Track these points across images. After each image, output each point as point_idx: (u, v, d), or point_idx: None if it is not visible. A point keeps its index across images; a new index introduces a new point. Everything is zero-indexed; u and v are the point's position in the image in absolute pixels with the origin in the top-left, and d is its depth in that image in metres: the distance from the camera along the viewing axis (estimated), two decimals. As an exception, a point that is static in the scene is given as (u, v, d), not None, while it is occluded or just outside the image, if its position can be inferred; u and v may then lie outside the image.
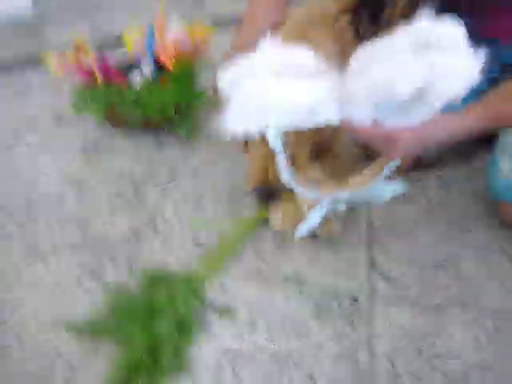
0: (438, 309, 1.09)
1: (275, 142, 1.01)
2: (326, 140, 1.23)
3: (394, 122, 0.94)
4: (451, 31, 0.87)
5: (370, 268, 1.18)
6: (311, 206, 1.13)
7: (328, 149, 1.28)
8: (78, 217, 1.31)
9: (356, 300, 1.10)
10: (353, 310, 1.08)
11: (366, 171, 1.10)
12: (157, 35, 1.63)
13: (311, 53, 1.01)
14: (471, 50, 0.87)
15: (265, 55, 1.01)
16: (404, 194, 1.36)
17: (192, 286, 1.10)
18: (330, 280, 1.15)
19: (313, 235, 1.21)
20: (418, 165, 1.46)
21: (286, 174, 1.05)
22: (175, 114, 1.51)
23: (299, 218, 1.22)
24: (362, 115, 0.95)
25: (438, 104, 0.90)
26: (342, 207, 1.15)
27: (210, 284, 1.13)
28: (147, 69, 1.62)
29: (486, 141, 1.49)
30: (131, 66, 1.66)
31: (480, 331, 1.04)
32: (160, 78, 1.59)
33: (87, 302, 1.09)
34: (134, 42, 1.66)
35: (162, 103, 1.47)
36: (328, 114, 0.97)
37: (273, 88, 0.97)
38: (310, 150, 1.23)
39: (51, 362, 0.99)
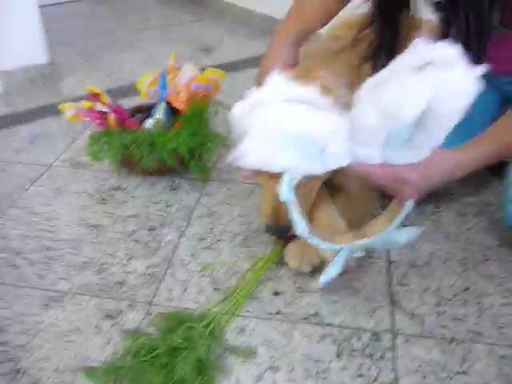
0: (462, 342, 1.06)
1: (288, 194, 1.01)
2: (337, 179, 1.24)
3: (403, 160, 0.95)
4: (448, 50, 0.87)
5: (391, 305, 1.16)
6: (330, 255, 1.12)
7: (340, 189, 1.28)
8: (96, 261, 1.31)
9: (378, 338, 1.08)
10: (375, 348, 1.06)
11: (382, 217, 1.10)
12: (169, 80, 1.67)
13: (320, 90, 1.02)
14: (468, 67, 0.87)
15: (276, 88, 1.02)
16: (421, 231, 1.37)
17: (211, 328, 1.08)
18: (350, 319, 1.13)
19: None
20: (428, 196, 1.45)
21: (299, 227, 1.05)
22: (189, 156, 1.53)
23: (315, 256, 1.22)
24: (371, 154, 0.95)
25: (442, 129, 0.90)
26: (360, 254, 1.14)
27: (229, 326, 1.12)
28: (161, 113, 1.65)
29: (498, 168, 1.50)
30: (145, 112, 1.70)
31: (508, 367, 1.02)
32: (173, 121, 1.62)
33: (106, 347, 1.08)
34: (147, 89, 1.70)
35: (176, 146, 1.49)
36: (338, 153, 0.97)
37: (285, 116, 0.98)
38: (322, 192, 1.24)
39: (71, 410, 0.98)
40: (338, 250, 1.09)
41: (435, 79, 0.85)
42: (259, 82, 1.14)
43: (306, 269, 1.22)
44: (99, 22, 3.48)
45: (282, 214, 1.11)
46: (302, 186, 1.09)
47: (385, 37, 1.21)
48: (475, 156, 1.01)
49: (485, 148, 1.01)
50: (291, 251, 1.25)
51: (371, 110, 0.90)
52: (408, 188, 0.98)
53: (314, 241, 1.07)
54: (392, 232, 1.07)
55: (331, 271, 1.10)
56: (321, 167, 1.01)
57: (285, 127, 0.97)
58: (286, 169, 1.00)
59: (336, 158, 0.98)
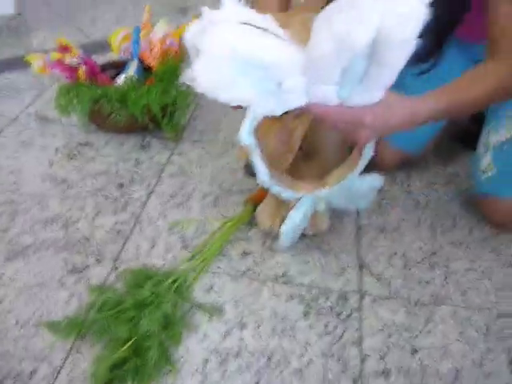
0: (428, 305, 1.08)
1: (248, 138, 0.99)
2: (314, 143, 1.23)
3: (359, 100, 0.92)
4: None
5: (359, 267, 1.17)
6: (292, 206, 1.12)
7: (316, 151, 1.27)
8: (62, 216, 1.28)
9: (345, 298, 1.09)
10: (342, 308, 1.07)
11: (343, 167, 1.09)
12: (143, 36, 1.62)
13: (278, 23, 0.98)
14: None
15: (231, 10, 0.96)
16: (390, 196, 1.38)
17: (178, 284, 1.07)
18: (319, 279, 1.13)
19: (301, 234, 1.20)
20: (401, 163, 1.47)
21: (260, 173, 1.04)
22: (161, 114, 1.49)
23: (286, 215, 1.21)
24: (328, 93, 0.92)
25: (394, 62, 0.87)
26: (322, 207, 1.14)
27: (197, 283, 1.11)
28: (133, 69, 1.61)
29: (470, 140, 1.52)
30: (117, 68, 1.65)
31: (472, 329, 1.04)
32: (146, 78, 1.58)
33: (70, 302, 1.06)
34: (119, 44, 1.65)
35: (148, 102, 1.46)
36: (295, 89, 0.93)
37: (238, 39, 0.90)
38: (299, 153, 1.23)
39: (34, 362, 0.96)
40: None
41: (384, 5, 0.82)
42: None
43: (277, 230, 1.21)
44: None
45: None
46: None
47: None
48: (432, 107, 1.00)
49: (442, 102, 1.00)
50: (263, 212, 1.24)
51: (326, 37, 0.86)
52: (365, 131, 0.96)
53: (276, 189, 1.07)
54: (353, 180, 1.07)
55: (291, 219, 1.10)
56: (279, 105, 0.97)
57: (237, 50, 0.92)
58: (241, 100, 0.95)
59: (293, 95, 0.94)
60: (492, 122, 1.28)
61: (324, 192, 1.09)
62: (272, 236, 1.23)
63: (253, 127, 1.00)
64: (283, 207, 1.23)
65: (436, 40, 1.16)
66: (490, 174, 1.24)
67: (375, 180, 1.12)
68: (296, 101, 0.93)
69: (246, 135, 0.99)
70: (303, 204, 1.11)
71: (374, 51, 0.84)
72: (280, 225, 1.21)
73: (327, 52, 0.85)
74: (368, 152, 1.05)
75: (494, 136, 1.25)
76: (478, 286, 1.13)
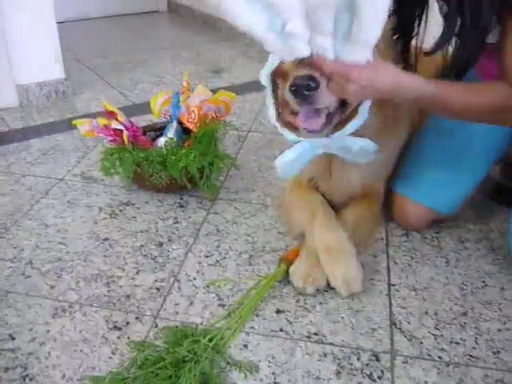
0: (459, 366, 1.09)
1: (265, 80, 1.21)
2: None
3: (351, 55, 1.04)
4: None
5: (390, 326, 1.19)
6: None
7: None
8: (105, 274, 1.35)
9: (377, 358, 1.11)
10: (374, 368, 1.09)
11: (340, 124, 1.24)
12: (182, 101, 1.72)
13: None
14: None
15: None
16: (420, 254, 1.41)
17: (215, 343, 1.11)
18: (350, 338, 1.16)
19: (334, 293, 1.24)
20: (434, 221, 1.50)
21: (270, 115, 1.24)
22: (198, 175, 1.57)
23: (320, 277, 1.26)
24: (325, 46, 1.03)
25: (374, 16, 0.96)
26: (319, 152, 1.30)
27: (232, 341, 1.15)
28: (172, 131, 1.70)
29: (506, 198, 1.56)
30: (158, 130, 1.75)
31: (503, 391, 1.04)
32: (185, 141, 1.67)
33: (113, 358, 1.11)
34: (160, 108, 1.76)
35: (186, 165, 1.54)
36: (298, 35, 1.02)
37: None
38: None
39: (77, 417, 1.01)
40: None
41: None
42: None
43: (310, 290, 1.26)
44: (114, 40, 3.57)
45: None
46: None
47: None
48: (417, 86, 1.12)
49: (429, 87, 1.12)
50: (297, 271, 1.29)
51: None
52: (351, 86, 1.08)
53: (282, 131, 1.25)
54: (347, 137, 1.24)
55: (285, 155, 1.26)
56: (287, 51, 1.06)
57: None
58: (248, 26, 1.01)
59: (298, 43, 1.04)
60: None
61: (321, 139, 1.24)
62: (305, 295, 1.27)
63: (270, 70, 1.20)
64: (316, 267, 1.27)
65: (455, 77, 1.25)
66: None
67: (367, 144, 1.26)
68: (300, 49, 1.05)
69: (264, 76, 1.21)
70: (300, 146, 1.26)
71: (353, 4, 0.95)
72: (313, 285, 1.26)
73: None
74: (363, 112, 1.19)
75: None
76: (510, 347, 1.14)
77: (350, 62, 1.05)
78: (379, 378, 1.07)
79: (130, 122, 1.68)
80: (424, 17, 1.33)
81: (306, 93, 1.11)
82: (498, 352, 1.13)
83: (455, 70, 1.23)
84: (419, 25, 1.34)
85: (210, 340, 1.11)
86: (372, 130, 1.29)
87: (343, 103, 1.21)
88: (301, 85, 1.11)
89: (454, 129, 1.42)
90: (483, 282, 1.34)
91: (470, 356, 1.12)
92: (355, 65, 1.05)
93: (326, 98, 1.14)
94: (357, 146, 1.26)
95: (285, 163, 1.29)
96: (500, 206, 1.62)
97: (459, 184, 1.45)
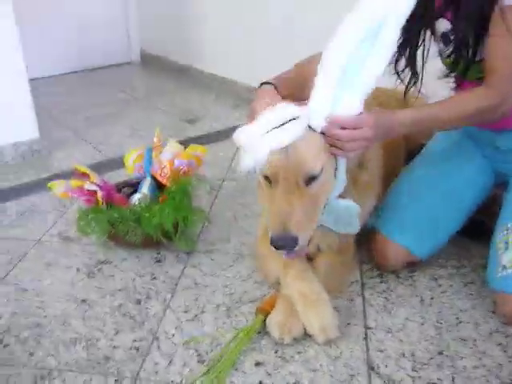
0: (437, 409, 1.11)
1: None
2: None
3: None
4: None
5: (368, 371, 1.21)
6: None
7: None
8: (84, 336, 1.35)
9: (357, 405, 1.13)
10: (354, 416, 1.10)
11: None
12: (154, 156, 1.76)
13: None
14: None
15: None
16: (395, 294, 1.44)
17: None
18: (330, 386, 1.17)
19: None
20: (410, 265, 1.54)
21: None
22: (173, 230, 1.60)
23: (297, 327, 1.28)
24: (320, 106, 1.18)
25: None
26: None
27: (213, 397, 1.15)
28: (146, 187, 1.73)
29: (477, 234, 1.61)
30: (132, 186, 1.78)
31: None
32: (158, 196, 1.70)
33: (93, 424, 1.11)
34: (133, 164, 1.79)
35: (161, 221, 1.56)
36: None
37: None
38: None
39: None
40: None
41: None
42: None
43: (288, 340, 1.27)
44: (87, 94, 3.61)
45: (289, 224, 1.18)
46: None
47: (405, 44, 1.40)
48: (409, 121, 1.26)
49: (418, 115, 1.27)
50: (273, 321, 1.30)
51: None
52: (367, 131, 1.19)
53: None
54: (331, 200, 1.30)
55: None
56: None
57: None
58: None
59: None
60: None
61: None
62: (284, 345, 1.28)
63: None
64: (293, 316, 1.29)
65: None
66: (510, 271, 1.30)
67: (351, 205, 1.31)
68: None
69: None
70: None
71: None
72: (290, 334, 1.27)
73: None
74: (341, 177, 1.28)
75: None
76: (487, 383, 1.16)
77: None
78: (359, 425, 1.08)
79: (104, 181, 1.70)
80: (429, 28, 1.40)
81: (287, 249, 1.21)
82: (476, 389, 1.15)
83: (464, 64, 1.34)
84: (425, 33, 1.41)
85: (191, 399, 1.12)
86: (349, 194, 1.35)
87: None
88: (281, 246, 1.20)
89: (441, 176, 1.52)
90: (457, 318, 1.37)
91: (448, 396, 1.14)
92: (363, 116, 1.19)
93: (305, 242, 1.23)
94: (341, 207, 1.32)
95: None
96: (470, 241, 1.66)
97: (443, 232, 1.51)
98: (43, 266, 1.67)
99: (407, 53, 1.41)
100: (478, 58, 1.31)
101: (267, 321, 1.31)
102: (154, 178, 1.76)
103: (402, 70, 1.43)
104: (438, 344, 1.28)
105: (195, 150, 1.76)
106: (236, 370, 1.23)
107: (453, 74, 1.41)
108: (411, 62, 1.42)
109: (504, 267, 1.30)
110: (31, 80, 2.48)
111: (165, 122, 2.91)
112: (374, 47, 1.13)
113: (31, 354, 1.30)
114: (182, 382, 1.20)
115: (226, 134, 2.70)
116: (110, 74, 4.13)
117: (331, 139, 1.20)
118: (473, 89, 1.30)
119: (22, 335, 1.37)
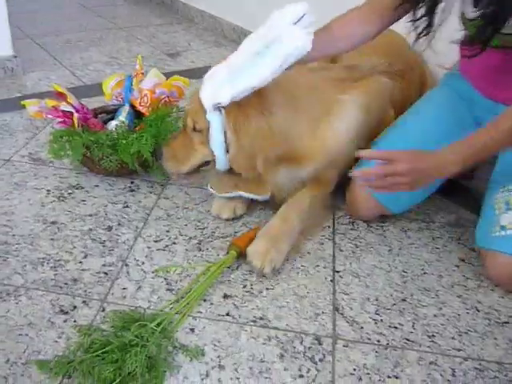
0: (397, 350, 1.15)
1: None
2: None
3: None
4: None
5: (333, 311, 1.24)
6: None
7: None
8: (52, 257, 1.34)
9: (319, 341, 1.15)
10: (316, 351, 1.13)
11: None
12: (134, 84, 1.71)
13: None
14: None
15: None
16: (365, 242, 1.46)
17: (163, 328, 1.13)
18: (294, 323, 1.20)
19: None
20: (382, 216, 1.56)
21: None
22: (150, 159, 1.57)
23: (278, 257, 1.34)
24: None
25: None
26: None
27: (179, 326, 1.17)
28: (124, 115, 1.69)
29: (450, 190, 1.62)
30: (109, 113, 1.73)
31: (437, 373, 1.10)
32: (136, 125, 1.66)
33: (58, 342, 1.11)
34: (112, 91, 1.74)
35: (138, 149, 1.53)
36: None
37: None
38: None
39: (21, 401, 1.01)
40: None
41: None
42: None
43: (268, 269, 1.29)
44: (67, 17, 3.47)
45: None
46: None
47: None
48: (459, 159, 1.21)
49: (468, 151, 1.20)
50: (255, 250, 1.32)
51: None
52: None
53: None
54: None
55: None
56: None
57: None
58: None
59: None
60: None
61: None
62: (251, 280, 1.30)
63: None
64: (273, 248, 1.31)
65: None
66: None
67: None
68: None
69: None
70: None
71: None
72: (270, 263, 1.30)
73: None
74: None
75: None
76: (444, 331, 1.20)
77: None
78: (320, 360, 1.11)
79: (81, 104, 1.65)
80: None
81: None
82: (433, 336, 1.19)
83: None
84: None
85: (158, 325, 1.13)
86: None
87: None
88: None
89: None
90: (422, 269, 1.40)
91: (407, 340, 1.18)
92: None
93: None
94: None
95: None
96: (443, 199, 1.68)
97: (421, 192, 1.49)
98: (12, 185, 1.63)
99: (429, 2, 1.33)
100: (505, 31, 1.23)
101: (248, 250, 1.32)
102: (132, 106, 1.72)
103: (419, 18, 1.34)
104: (402, 291, 1.32)
105: (177, 81, 1.71)
106: (204, 300, 1.24)
107: (474, 43, 1.29)
108: (430, 12, 1.33)
109: (503, 227, 1.30)
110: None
111: (146, 54, 2.82)
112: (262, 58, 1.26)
113: (-4, 269, 1.29)
114: (149, 307, 1.21)
115: (206, 71, 2.63)
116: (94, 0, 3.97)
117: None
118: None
119: (-13, 251, 1.35)
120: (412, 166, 1.19)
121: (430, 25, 1.34)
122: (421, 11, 1.33)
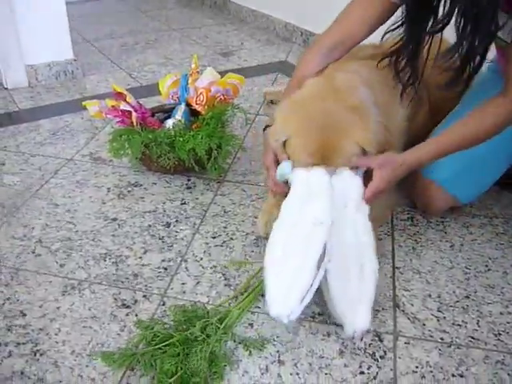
0: (460, 347, 1.11)
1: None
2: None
3: None
4: None
5: (394, 308, 1.21)
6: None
7: None
8: (113, 253, 1.38)
9: (380, 338, 1.13)
10: (377, 348, 1.11)
11: None
12: (190, 83, 1.73)
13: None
14: None
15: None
16: (425, 238, 1.42)
17: (224, 323, 1.13)
18: (354, 319, 1.18)
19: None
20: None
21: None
22: (206, 157, 1.59)
23: None
24: None
25: None
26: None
27: (239, 321, 1.17)
28: (180, 113, 1.71)
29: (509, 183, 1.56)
30: (166, 112, 1.76)
31: (504, 373, 1.06)
32: (193, 123, 1.68)
33: (121, 335, 1.14)
34: (168, 90, 1.77)
35: (194, 146, 1.55)
36: None
37: None
38: None
39: (86, 390, 1.04)
40: None
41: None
42: (288, 86, 1.41)
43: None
44: (123, 20, 3.56)
45: None
46: None
47: (408, 44, 1.33)
48: (426, 157, 1.28)
49: (434, 148, 1.27)
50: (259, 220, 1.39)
51: None
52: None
53: None
54: None
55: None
56: None
57: None
58: None
59: None
60: None
61: None
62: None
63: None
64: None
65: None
66: None
67: None
68: None
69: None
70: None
71: None
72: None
73: None
74: None
75: None
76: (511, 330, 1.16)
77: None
78: (381, 357, 1.09)
79: (139, 103, 1.69)
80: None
81: None
82: (500, 334, 1.15)
83: (470, 70, 1.25)
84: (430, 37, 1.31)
85: (220, 321, 1.13)
86: None
87: None
88: None
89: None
90: (486, 266, 1.35)
91: (472, 338, 1.14)
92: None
93: None
94: None
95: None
96: (504, 192, 1.62)
97: (484, 177, 1.47)
98: (74, 183, 1.68)
99: (409, 52, 1.33)
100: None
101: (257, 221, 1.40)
102: (188, 105, 1.74)
103: (402, 70, 1.37)
104: (465, 288, 1.28)
105: (233, 78, 1.73)
106: (262, 295, 1.23)
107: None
108: (413, 64, 1.35)
109: None
110: (68, 3, 2.45)
111: (199, 54, 2.85)
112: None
113: (62, 265, 1.33)
114: (208, 302, 1.22)
115: (259, 69, 2.66)
116: (146, 2, 4.06)
117: None
118: (489, 101, 1.24)
119: (53, 247, 1.40)
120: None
121: (414, 74, 1.37)
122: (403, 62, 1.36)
